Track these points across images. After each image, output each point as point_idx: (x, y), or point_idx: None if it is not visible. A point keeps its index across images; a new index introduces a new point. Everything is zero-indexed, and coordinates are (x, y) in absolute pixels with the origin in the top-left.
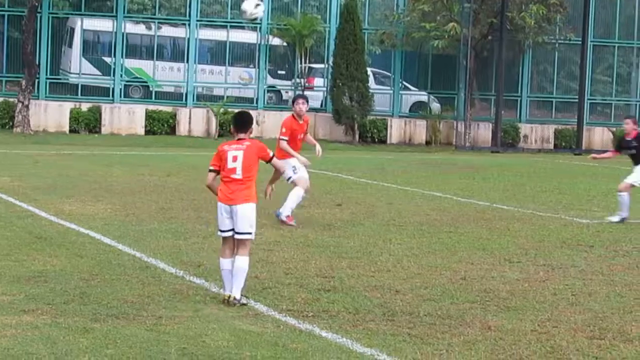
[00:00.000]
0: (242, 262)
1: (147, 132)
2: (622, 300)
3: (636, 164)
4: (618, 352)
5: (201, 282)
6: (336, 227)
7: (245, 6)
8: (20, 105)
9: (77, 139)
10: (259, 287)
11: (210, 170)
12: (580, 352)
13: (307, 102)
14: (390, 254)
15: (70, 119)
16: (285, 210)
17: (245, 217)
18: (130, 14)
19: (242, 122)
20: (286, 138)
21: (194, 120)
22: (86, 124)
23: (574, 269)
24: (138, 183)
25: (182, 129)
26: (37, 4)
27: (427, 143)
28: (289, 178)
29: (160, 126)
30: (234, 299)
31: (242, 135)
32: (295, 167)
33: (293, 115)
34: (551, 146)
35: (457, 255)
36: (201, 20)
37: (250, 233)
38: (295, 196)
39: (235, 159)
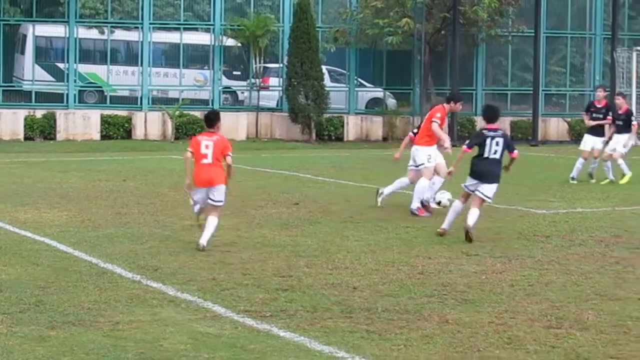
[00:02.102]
0: (212, 219)
1: (103, 137)
2: (579, 289)
3: None
4: (575, 341)
5: (158, 285)
6: (293, 226)
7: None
8: None
9: (32, 147)
10: (216, 288)
11: (188, 151)
12: (538, 342)
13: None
14: (348, 251)
15: (24, 126)
16: (414, 204)
17: (219, 191)
18: (82, 19)
19: (209, 120)
20: (439, 122)
21: (150, 124)
22: (41, 131)
23: (531, 259)
24: (94, 189)
25: (138, 132)
26: None
27: (384, 139)
28: (421, 164)
29: (116, 131)
30: (203, 247)
31: (211, 130)
32: (430, 156)
33: (443, 105)
34: None
35: (414, 250)
36: (154, 23)
37: (221, 201)
38: (421, 188)
39: (207, 147)
